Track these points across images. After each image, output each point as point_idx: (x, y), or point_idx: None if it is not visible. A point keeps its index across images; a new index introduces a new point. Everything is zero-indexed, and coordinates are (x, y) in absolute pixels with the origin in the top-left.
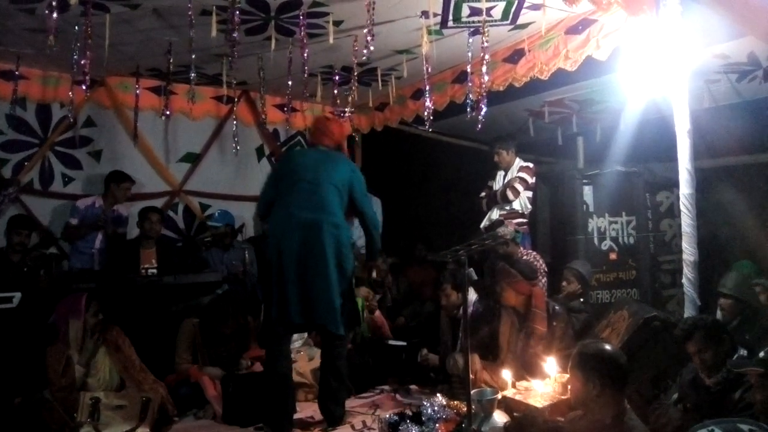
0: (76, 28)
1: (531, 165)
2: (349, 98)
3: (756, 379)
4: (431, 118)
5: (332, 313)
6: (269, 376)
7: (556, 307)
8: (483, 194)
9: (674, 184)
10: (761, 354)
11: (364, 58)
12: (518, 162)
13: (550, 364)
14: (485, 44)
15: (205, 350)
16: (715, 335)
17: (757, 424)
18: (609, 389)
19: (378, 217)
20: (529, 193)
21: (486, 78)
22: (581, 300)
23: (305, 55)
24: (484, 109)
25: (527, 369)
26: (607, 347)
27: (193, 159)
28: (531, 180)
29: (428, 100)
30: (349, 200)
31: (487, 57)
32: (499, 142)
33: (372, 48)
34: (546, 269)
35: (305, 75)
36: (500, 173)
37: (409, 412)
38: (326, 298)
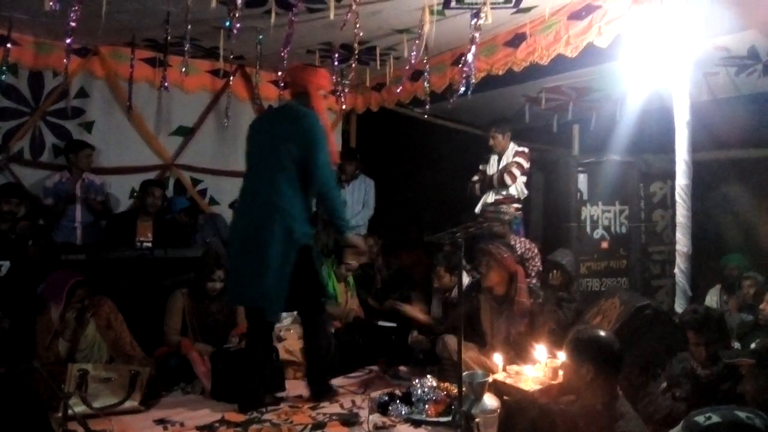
0: None
1: (526, 150)
2: (349, 76)
3: (747, 370)
4: (429, 99)
5: (267, 297)
6: (242, 353)
7: (531, 285)
8: (476, 178)
9: (668, 176)
10: (752, 345)
11: (360, 35)
12: (513, 146)
13: (540, 349)
14: (479, 24)
15: (195, 322)
16: (721, 329)
17: (755, 412)
18: (602, 375)
19: (371, 200)
20: (524, 178)
21: (470, 58)
22: (568, 290)
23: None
24: (461, 92)
25: (515, 352)
26: (602, 333)
27: (186, 133)
28: (527, 165)
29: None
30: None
31: (477, 38)
32: (495, 126)
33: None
34: (539, 255)
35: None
36: (494, 157)
37: (398, 393)
38: (262, 281)
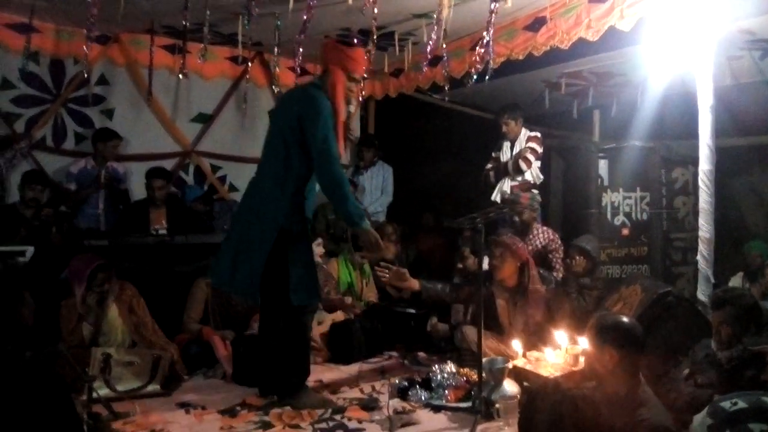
0: None
1: (539, 134)
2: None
3: None
4: (448, 85)
5: (238, 279)
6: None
7: (542, 272)
8: (489, 166)
9: (690, 161)
10: None
11: (378, 20)
12: (525, 132)
13: (561, 335)
14: (497, 7)
15: (216, 310)
16: (748, 312)
17: None
18: (625, 361)
19: (389, 187)
20: (539, 163)
21: (487, 40)
22: (591, 277)
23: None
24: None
25: (535, 340)
26: (625, 319)
27: (206, 119)
28: (540, 149)
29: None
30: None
31: (493, 21)
32: (508, 112)
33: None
34: (561, 245)
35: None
36: (506, 144)
37: (418, 378)
38: (237, 264)
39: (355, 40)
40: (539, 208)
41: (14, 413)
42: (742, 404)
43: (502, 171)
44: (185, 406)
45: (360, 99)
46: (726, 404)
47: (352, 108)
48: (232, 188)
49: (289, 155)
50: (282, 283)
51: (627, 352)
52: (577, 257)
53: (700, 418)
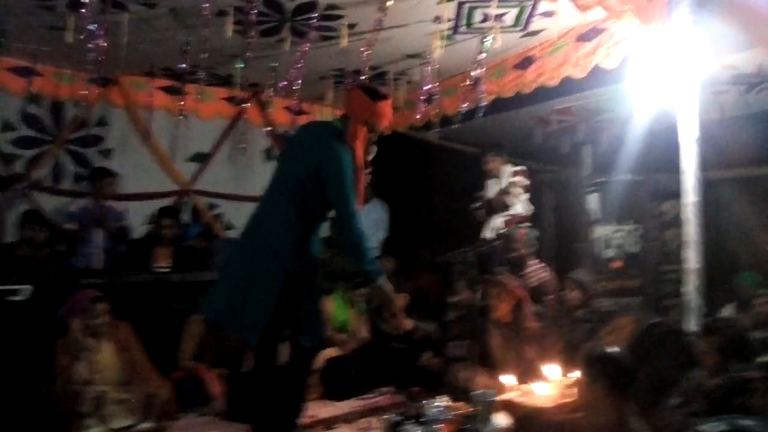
0: (95, 26)
1: (523, 168)
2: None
3: (757, 384)
4: (439, 123)
5: (243, 324)
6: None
7: (537, 307)
8: (477, 205)
9: (680, 195)
10: (762, 358)
11: (370, 62)
12: (509, 167)
13: (552, 368)
14: (486, 47)
15: (210, 347)
16: (736, 344)
17: (761, 419)
18: (615, 391)
19: (384, 223)
20: (527, 196)
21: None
22: (585, 309)
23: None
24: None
25: (528, 375)
26: (614, 350)
27: (202, 159)
28: (526, 182)
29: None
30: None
31: (483, 59)
32: (492, 150)
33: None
34: (554, 280)
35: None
36: (491, 182)
37: (411, 413)
38: (241, 306)
39: (382, 91)
40: (536, 243)
41: None
42: (722, 427)
43: (490, 208)
44: None
45: None
46: (707, 427)
47: (371, 156)
48: (228, 227)
49: (303, 202)
50: (291, 325)
51: (616, 383)
52: (573, 288)
53: None
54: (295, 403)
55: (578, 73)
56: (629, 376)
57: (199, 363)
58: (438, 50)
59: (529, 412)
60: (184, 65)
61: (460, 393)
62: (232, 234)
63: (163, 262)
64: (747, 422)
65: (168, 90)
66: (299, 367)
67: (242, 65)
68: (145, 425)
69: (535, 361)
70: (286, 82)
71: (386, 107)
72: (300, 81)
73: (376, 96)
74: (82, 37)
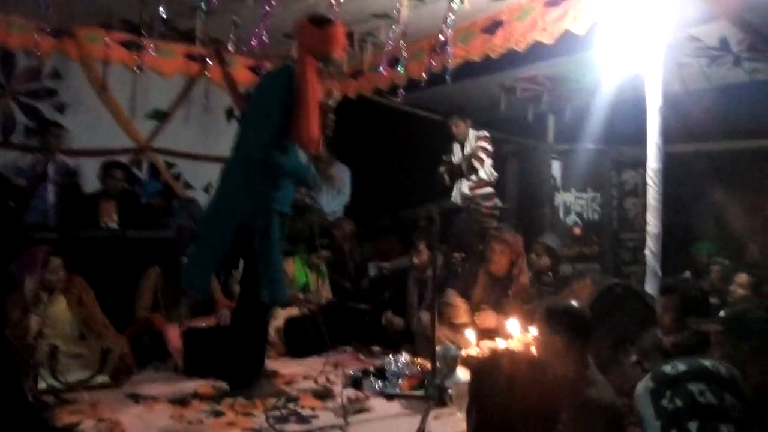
0: None
1: (486, 133)
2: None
3: (715, 338)
4: (404, 87)
5: (190, 273)
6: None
7: None
8: (443, 169)
9: (641, 165)
10: (721, 313)
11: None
12: (473, 132)
13: (513, 323)
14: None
15: (167, 299)
16: (694, 303)
17: (719, 361)
18: (575, 344)
19: (346, 187)
20: (491, 161)
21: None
22: (551, 274)
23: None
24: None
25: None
26: (573, 303)
27: (161, 116)
28: (490, 147)
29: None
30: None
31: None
32: (457, 113)
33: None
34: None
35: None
36: (456, 146)
37: (372, 369)
38: (193, 258)
39: (331, 17)
40: (498, 213)
41: None
42: (682, 367)
43: (456, 172)
44: (135, 397)
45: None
46: (667, 368)
47: (332, 101)
48: (187, 185)
49: (250, 144)
50: (252, 280)
51: (576, 335)
52: (541, 252)
53: (642, 384)
54: (254, 355)
55: (546, 39)
56: (589, 328)
57: (156, 314)
58: (406, 10)
59: (486, 365)
60: (142, 16)
61: (421, 342)
62: (191, 194)
63: (108, 218)
64: (706, 362)
65: (126, 44)
66: (257, 321)
67: (204, 14)
68: (100, 379)
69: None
70: (249, 41)
71: (334, 32)
72: (264, 39)
73: (322, 22)
74: None
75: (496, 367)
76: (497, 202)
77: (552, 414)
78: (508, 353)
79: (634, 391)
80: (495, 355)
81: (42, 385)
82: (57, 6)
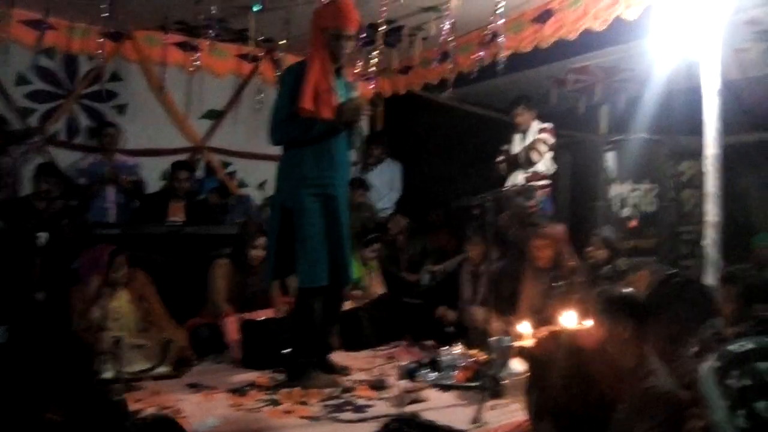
0: None
1: (550, 125)
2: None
3: None
4: (453, 83)
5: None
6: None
7: None
8: (500, 158)
9: (698, 155)
10: None
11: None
12: (536, 123)
13: (569, 315)
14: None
15: (234, 292)
16: (757, 292)
17: None
18: (634, 332)
19: (397, 183)
20: (551, 154)
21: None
22: (611, 267)
23: None
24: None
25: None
26: (630, 290)
27: (216, 116)
28: (552, 140)
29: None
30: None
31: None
32: (520, 102)
33: None
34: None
35: None
36: (517, 136)
37: (426, 361)
38: None
39: None
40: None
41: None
42: (749, 345)
43: (513, 163)
44: (195, 386)
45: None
46: (734, 347)
47: (356, 92)
48: (242, 184)
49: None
50: (291, 260)
51: (638, 323)
52: (599, 245)
53: (707, 364)
54: (304, 344)
55: (598, 26)
56: (648, 315)
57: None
58: (455, 1)
59: (546, 345)
60: (197, 16)
61: (474, 336)
62: (246, 192)
63: (176, 216)
64: None
65: (181, 45)
66: (299, 308)
67: (258, 8)
68: (161, 370)
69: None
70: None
71: (343, 5)
72: None
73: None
74: None
75: (557, 347)
76: (538, 199)
77: (610, 394)
78: (568, 334)
79: (698, 373)
80: (555, 335)
81: (107, 374)
82: (117, 11)
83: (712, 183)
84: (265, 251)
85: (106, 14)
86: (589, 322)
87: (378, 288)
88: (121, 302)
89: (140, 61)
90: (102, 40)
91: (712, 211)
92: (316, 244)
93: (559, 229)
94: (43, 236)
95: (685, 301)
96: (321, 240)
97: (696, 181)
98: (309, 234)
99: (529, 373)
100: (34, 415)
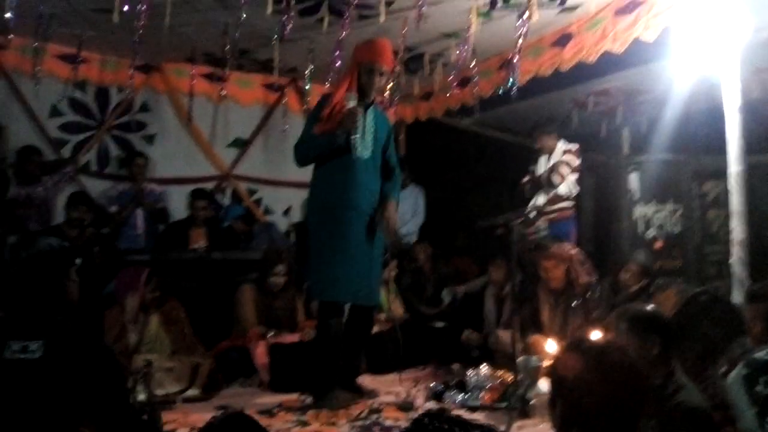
0: (143, 7)
1: (575, 147)
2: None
3: None
4: (477, 108)
5: None
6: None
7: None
8: (526, 179)
9: (722, 175)
10: None
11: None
12: (561, 145)
13: (596, 333)
14: (525, 21)
15: (260, 315)
16: None
17: None
18: (667, 347)
19: (421, 208)
20: (575, 176)
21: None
22: (645, 292)
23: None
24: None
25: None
26: (653, 306)
27: (242, 144)
28: (576, 162)
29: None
30: None
31: (520, 39)
32: (542, 127)
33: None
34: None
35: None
36: (543, 158)
37: (453, 382)
38: None
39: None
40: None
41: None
42: None
43: (537, 184)
44: (224, 408)
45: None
46: (761, 354)
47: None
48: (268, 211)
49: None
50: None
51: (667, 339)
52: (634, 272)
53: (735, 371)
54: (325, 364)
55: (617, 48)
56: (673, 331)
57: (254, 329)
58: (475, 26)
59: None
60: (224, 48)
61: (500, 359)
62: (271, 219)
63: (197, 243)
64: None
65: (208, 77)
66: (319, 326)
67: (277, 40)
68: (191, 392)
69: (581, 329)
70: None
71: (379, 43)
72: (338, 64)
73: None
74: (126, 8)
75: (580, 356)
76: (539, 227)
77: (636, 405)
78: (592, 344)
79: (727, 381)
80: (577, 344)
81: (139, 396)
82: (146, 42)
83: (737, 200)
84: (285, 277)
85: (136, 47)
86: (612, 337)
87: (398, 310)
88: (153, 326)
89: (168, 92)
90: (132, 72)
91: (738, 229)
92: (324, 258)
93: (566, 247)
94: (77, 261)
95: (713, 318)
96: (331, 255)
97: (721, 201)
98: (315, 248)
99: (550, 385)
100: (68, 430)
